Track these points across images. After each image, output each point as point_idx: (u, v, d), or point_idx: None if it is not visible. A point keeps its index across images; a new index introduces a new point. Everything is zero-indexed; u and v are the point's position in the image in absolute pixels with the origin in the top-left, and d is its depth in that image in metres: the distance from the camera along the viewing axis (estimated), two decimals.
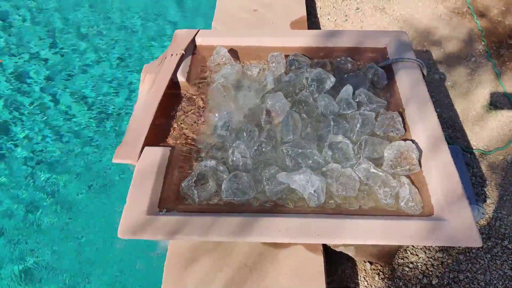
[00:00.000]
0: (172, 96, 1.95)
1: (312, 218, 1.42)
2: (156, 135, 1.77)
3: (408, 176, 1.61)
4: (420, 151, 1.65)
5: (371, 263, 2.04)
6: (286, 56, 2.10)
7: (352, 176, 1.55)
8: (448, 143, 2.57)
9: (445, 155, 1.59)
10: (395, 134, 1.75)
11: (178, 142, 1.77)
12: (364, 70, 2.01)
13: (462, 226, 1.39)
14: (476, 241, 1.36)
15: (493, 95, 2.86)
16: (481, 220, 2.20)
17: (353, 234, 1.38)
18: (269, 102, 1.81)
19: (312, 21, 3.41)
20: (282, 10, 3.18)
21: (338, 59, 2.09)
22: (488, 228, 2.19)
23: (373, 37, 2.19)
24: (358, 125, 1.73)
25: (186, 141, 1.78)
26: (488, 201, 2.31)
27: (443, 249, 2.12)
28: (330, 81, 1.90)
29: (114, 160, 1.63)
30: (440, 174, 1.54)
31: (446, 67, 3.06)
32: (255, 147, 1.65)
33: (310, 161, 1.60)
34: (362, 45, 2.17)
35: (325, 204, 1.53)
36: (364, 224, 1.40)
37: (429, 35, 3.30)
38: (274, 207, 1.54)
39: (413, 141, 1.70)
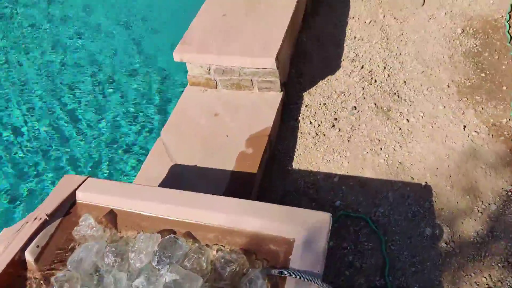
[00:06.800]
0: (14, 278, 1.65)
1: None
2: None
3: None
4: None
5: None
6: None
7: None
8: None
9: None
10: None
11: None
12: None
13: None
14: None
15: None
16: None
17: None
18: None
19: (290, 125, 2.83)
20: (248, 116, 2.69)
21: (222, 255, 1.57)
22: None
23: (284, 219, 1.63)
24: None
25: None
26: None
27: None
28: None
29: None
30: None
31: (446, 224, 2.28)
32: None
33: None
34: (265, 231, 1.63)
35: None
36: None
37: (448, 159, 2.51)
38: None
39: None
